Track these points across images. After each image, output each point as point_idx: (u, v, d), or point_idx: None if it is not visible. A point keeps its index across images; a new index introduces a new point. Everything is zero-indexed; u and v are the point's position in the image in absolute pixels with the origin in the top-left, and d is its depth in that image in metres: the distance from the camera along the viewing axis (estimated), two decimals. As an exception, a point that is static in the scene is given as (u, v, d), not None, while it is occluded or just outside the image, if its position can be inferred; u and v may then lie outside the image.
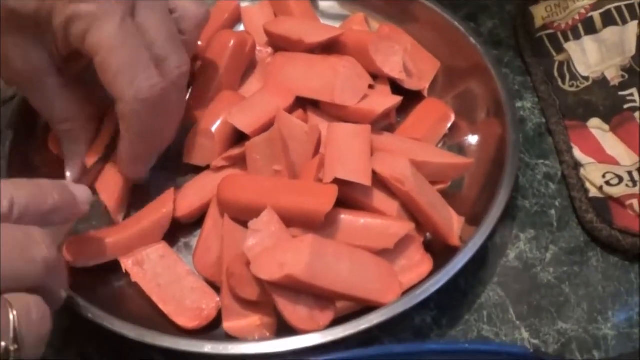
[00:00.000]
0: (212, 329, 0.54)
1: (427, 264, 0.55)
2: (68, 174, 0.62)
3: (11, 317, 0.39)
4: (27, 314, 0.40)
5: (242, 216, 0.55)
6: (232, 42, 0.66)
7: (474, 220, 0.57)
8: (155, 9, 0.55)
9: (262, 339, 0.52)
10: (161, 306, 0.55)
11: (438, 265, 0.55)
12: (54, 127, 0.62)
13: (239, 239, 0.54)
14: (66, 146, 0.62)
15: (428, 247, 0.57)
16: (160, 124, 0.57)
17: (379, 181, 0.56)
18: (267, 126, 0.59)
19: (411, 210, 0.57)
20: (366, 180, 0.55)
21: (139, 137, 0.57)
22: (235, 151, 0.61)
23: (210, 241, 0.57)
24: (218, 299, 0.55)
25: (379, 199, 0.56)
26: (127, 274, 0.57)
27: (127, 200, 0.62)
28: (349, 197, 0.56)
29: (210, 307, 0.54)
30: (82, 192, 0.50)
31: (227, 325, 0.53)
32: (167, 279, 0.56)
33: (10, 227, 0.42)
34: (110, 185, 0.61)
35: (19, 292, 0.41)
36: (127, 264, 0.57)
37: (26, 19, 0.53)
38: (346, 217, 0.55)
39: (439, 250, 0.57)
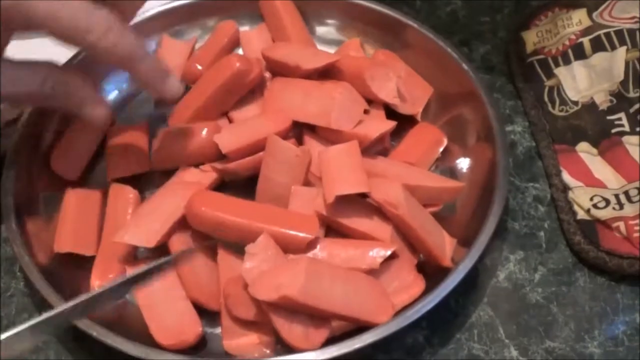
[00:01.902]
0: (213, 347, 0.58)
1: (419, 285, 0.58)
2: None
3: None
4: None
5: (211, 232, 0.59)
6: (237, 65, 0.68)
7: (465, 242, 0.60)
8: None
9: (262, 357, 0.56)
10: (147, 321, 0.58)
11: (431, 285, 0.58)
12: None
13: (233, 264, 0.58)
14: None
15: (421, 267, 0.60)
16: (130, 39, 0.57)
17: (372, 206, 0.60)
18: (250, 149, 0.64)
19: (404, 234, 0.60)
20: (364, 187, 0.59)
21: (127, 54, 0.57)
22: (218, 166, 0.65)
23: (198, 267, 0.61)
24: (201, 329, 0.58)
25: (373, 224, 0.60)
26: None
27: None
28: (343, 226, 0.60)
29: (189, 333, 0.57)
30: None
31: (227, 343, 0.57)
32: (162, 298, 0.59)
33: None
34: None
35: None
36: None
37: None
38: (333, 241, 0.59)
39: (432, 271, 0.60)
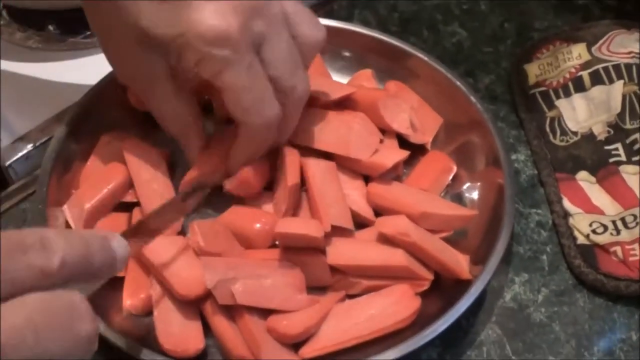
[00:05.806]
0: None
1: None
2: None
3: None
4: None
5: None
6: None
7: (474, 264, 0.67)
8: (281, 44, 0.63)
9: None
10: (156, 321, 0.63)
11: (447, 300, 0.64)
12: (164, 127, 0.71)
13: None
14: (182, 144, 0.72)
15: (437, 284, 0.67)
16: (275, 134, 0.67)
17: (384, 239, 0.67)
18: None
19: (420, 258, 0.66)
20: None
21: (257, 147, 0.67)
22: None
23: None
24: (202, 346, 0.62)
25: (385, 254, 0.66)
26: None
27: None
28: (359, 268, 0.66)
29: (191, 346, 0.62)
30: (122, 250, 0.48)
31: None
32: (175, 308, 0.64)
33: (57, 296, 0.40)
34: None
35: None
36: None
37: (156, 43, 0.61)
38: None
39: (449, 287, 0.66)
